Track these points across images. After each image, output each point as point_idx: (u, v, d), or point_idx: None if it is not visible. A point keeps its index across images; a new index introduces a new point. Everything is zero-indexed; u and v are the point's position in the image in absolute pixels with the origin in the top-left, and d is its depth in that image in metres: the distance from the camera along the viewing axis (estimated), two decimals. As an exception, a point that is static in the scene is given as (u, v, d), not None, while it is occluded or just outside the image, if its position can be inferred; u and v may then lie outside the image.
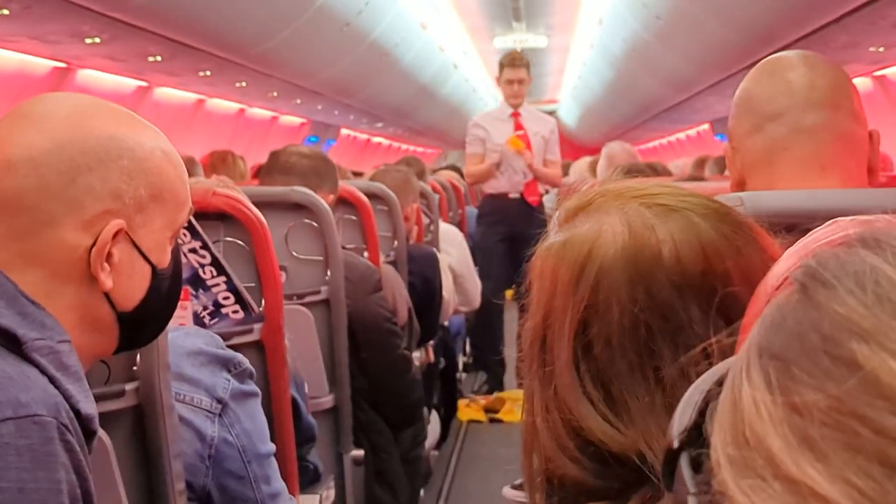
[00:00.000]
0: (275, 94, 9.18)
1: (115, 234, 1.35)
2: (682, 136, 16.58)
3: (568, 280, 1.07)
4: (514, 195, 7.28)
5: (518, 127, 7.31)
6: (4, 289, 1.30)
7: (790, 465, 0.47)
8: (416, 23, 10.34)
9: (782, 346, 0.50)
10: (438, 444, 5.55)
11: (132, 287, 1.40)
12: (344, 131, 15.36)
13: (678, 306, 1.03)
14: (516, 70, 7.34)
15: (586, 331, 1.05)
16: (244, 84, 8.07)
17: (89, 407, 1.29)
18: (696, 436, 0.57)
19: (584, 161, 7.76)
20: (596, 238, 1.07)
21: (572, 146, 21.40)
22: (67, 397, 1.25)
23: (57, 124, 1.35)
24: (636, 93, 12.16)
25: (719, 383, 0.56)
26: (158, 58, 5.97)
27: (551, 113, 22.87)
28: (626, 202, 1.09)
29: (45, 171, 1.32)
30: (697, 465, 0.56)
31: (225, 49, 6.33)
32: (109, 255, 1.35)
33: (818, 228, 0.83)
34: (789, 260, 0.76)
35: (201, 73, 7.03)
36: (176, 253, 1.46)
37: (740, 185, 1.83)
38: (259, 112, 11.28)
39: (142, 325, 1.44)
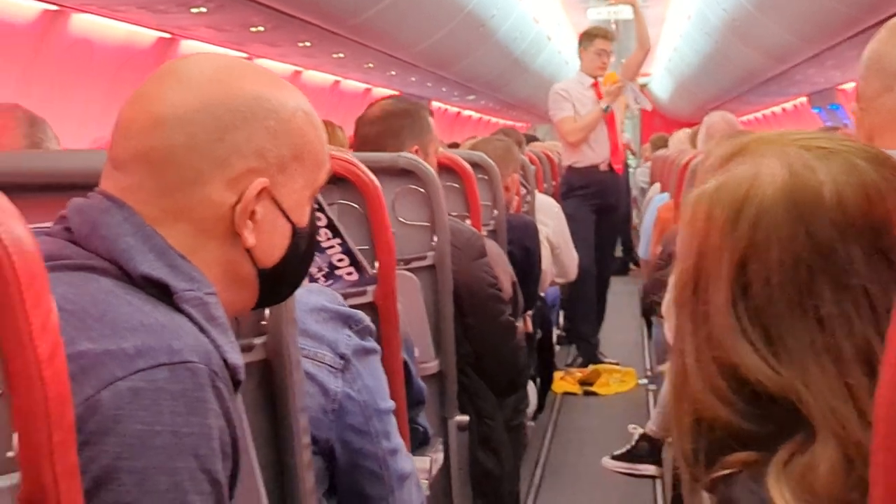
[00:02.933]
0: (370, 65, 9.22)
1: (259, 193, 1.38)
2: (777, 109, 16.35)
3: (724, 220, 1.07)
4: (604, 167, 7.33)
5: (599, 96, 7.36)
6: (154, 242, 1.33)
7: None
8: (513, -7, 10.32)
9: None
10: (534, 416, 5.57)
11: (273, 245, 1.42)
12: (435, 104, 15.37)
13: (839, 247, 1.03)
14: (608, 42, 7.47)
15: (744, 270, 1.05)
16: (341, 55, 8.11)
17: (236, 357, 1.32)
18: None
19: (684, 132, 7.72)
20: (754, 179, 1.07)
21: (664, 120, 21.20)
22: (216, 347, 1.28)
23: (205, 83, 1.38)
24: (733, 64, 12.01)
25: None
26: (261, 28, 6.02)
27: (643, 86, 22.67)
28: (783, 146, 1.09)
29: (194, 129, 1.35)
30: None
31: (325, 19, 6.37)
32: (253, 213, 1.38)
33: None
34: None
35: (301, 44, 7.07)
36: (313, 213, 1.49)
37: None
38: (353, 84, 11.34)
39: (280, 282, 1.47)
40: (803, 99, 13.54)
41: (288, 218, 1.43)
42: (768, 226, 1.05)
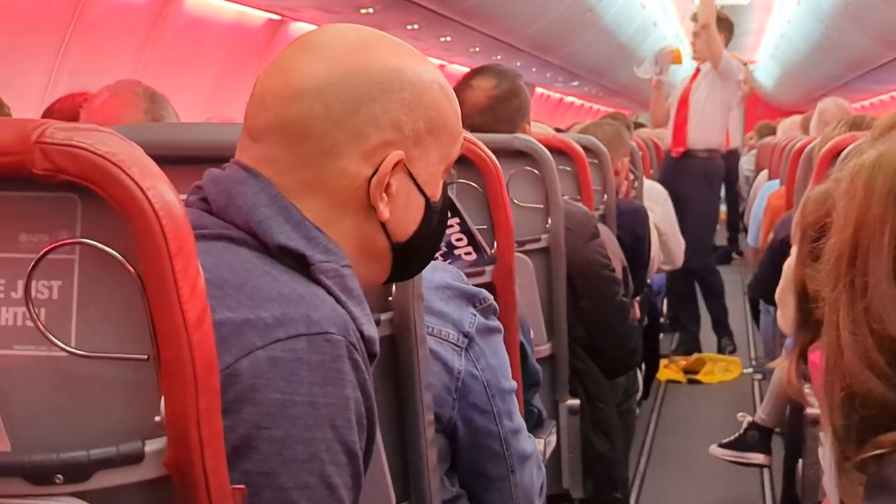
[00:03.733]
0: (476, 49, 9.22)
1: (395, 165, 1.36)
2: (885, 97, 16.03)
3: (886, 190, 1.04)
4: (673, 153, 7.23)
5: (693, 79, 7.24)
6: (291, 214, 1.32)
7: None
8: (621, -22, 10.25)
9: None
10: (639, 402, 5.53)
11: (407, 218, 1.41)
12: (538, 90, 15.33)
13: None
14: (694, 23, 7.34)
15: None
16: (448, 39, 8.12)
17: (371, 329, 1.31)
18: None
19: (794, 120, 7.59)
20: None
21: (768, 108, 20.86)
22: (353, 318, 1.27)
23: (342, 55, 1.37)
24: (844, 51, 11.78)
25: None
26: (371, 10, 6.03)
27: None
28: None
29: (331, 101, 1.34)
30: None
31: (435, 2, 6.37)
32: (388, 186, 1.37)
33: None
34: None
35: (409, 27, 7.08)
36: (445, 188, 1.47)
37: None
38: (457, 69, 11.34)
39: (412, 256, 1.45)
40: (914, 86, 13.25)
41: (422, 191, 1.41)
42: None
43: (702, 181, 7.26)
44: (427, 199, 1.42)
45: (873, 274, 1.03)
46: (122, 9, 5.41)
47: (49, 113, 3.17)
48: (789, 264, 2.94)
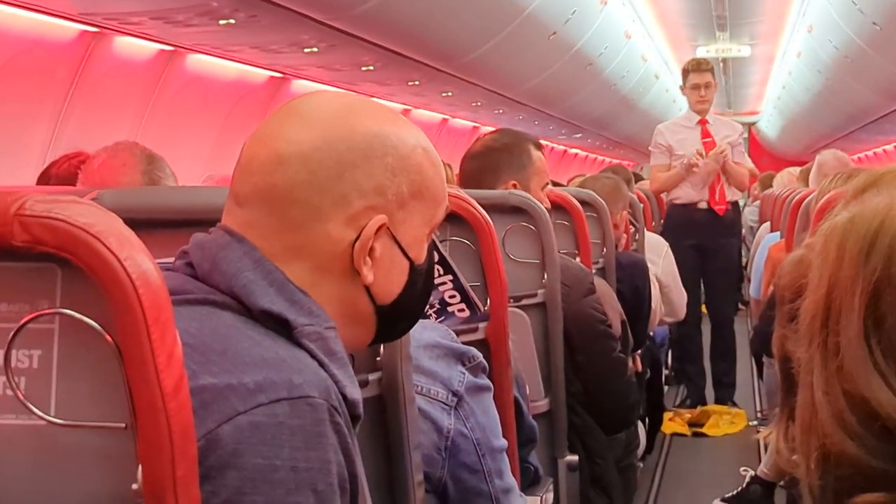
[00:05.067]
0: (478, 103, 9.27)
1: (378, 230, 1.38)
2: (889, 147, 16.08)
3: (857, 251, 1.04)
4: (702, 205, 7.15)
5: (706, 134, 7.14)
6: (274, 277, 1.34)
7: None
8: (621, 32, 10.29)
9: None
10: (643, 456, 5.50)
11: (391, 281, 1.42)
12: (542, 142, 15.39)
13: None
14: (702, 74, 7.17)
15: (878, 303, 1.02)
16: (450, 94, 8.17)
17: (355, 392, 1.32)
18: None
19: (790, 172, 7.60)
20: (888, 210, 1.05)
21: (772, 158, 20.94)
22: (335, 381, 1.28)
23: (326, 121, 1.39)
24: (845, 102, 11.85)
25: None
26: (371, 67, 6.08)
27: (752, 124, 22.38)
28: None
29: (315, 167, 1.36)
30: None
31: (435, 58, 6.42)
32: (371, 250, 1.38)
33: None
34: None
35: (410, 83, 7.14)
36: (430, 249, 1.49)
37: None
38: (461, 123, 11.40)
39: (397, 319, 1.47)
40: (917, 136, 13.30)
41: (406, 255, 1.43)
42: None
43: (727, 231, 7.31)
44: (411, 261, 1.44)
45: (845, 334, 1.04)
46: (125, 68, 5.45)
47: (47, 175, 3.18)
48: (786, 318, 2.94)
